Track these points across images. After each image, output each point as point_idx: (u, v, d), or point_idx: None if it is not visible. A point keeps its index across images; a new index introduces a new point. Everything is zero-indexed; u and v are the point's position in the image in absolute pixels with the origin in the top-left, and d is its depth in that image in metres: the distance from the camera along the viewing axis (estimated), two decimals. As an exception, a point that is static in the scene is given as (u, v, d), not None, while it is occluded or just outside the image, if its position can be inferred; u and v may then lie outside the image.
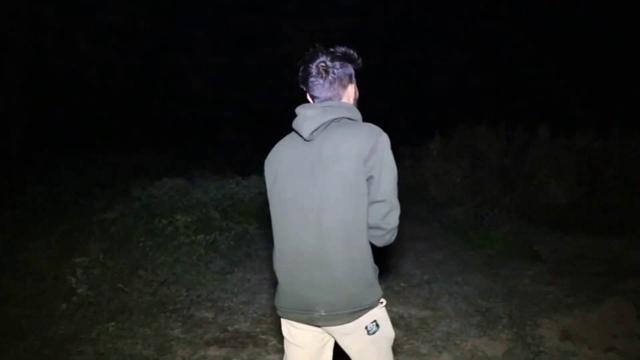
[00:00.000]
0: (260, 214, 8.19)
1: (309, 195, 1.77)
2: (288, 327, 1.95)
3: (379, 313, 1.86)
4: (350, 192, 1.74)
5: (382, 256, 6.12)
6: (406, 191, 10.87)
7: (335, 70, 1.87)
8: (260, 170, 2.05)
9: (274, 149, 1.96)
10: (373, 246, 1.87)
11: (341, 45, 1.93)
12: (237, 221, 6.80)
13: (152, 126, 20.07)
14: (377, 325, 1.83)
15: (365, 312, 1.80)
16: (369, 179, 1.77)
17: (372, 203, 1.79)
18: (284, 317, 1.93)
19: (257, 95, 21.04)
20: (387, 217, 1.80)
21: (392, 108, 19.13)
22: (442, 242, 7.29)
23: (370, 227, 1.81)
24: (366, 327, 1.81)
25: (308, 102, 1.95)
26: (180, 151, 16.94)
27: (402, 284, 5.34)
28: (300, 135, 1.83)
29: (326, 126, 1.82)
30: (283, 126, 2.16)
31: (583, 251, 6.84)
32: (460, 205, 9.10)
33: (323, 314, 1.76)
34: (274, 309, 1.98)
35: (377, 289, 1.84)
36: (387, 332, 1.89)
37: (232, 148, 18.49)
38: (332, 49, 1.90)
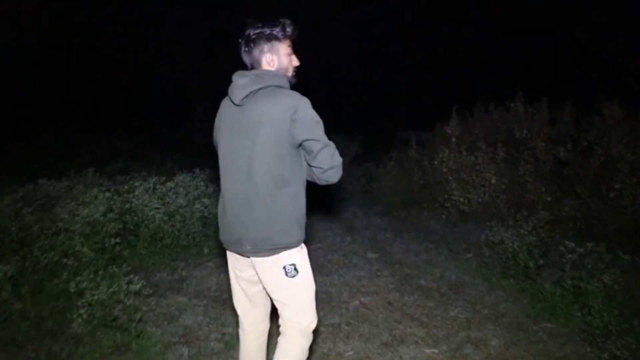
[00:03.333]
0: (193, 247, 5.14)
1: (242, 151, 2.13)
2: (230, 257, 2.36)
3: (298, 257, 2.18)
4: (274, 151, 2.09)
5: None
6: (412, 192, 7.83)
7: (254, 41, 2.19)
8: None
9: (220, 106, 2.30)
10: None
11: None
12: (128, 267, 3.72)
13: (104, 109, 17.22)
14: (296, 270, 2.17)
15: (282, 251, 2.15)
16: (308, 141, 2.11)
17: (317, 154, 2.12)
18: (226, 248, 2.32)
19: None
20: (333, 156, 2.15)
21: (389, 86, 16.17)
22: (489, 297, 4.26)
23: (322, 172, 2.15)
24: (284, 268, 2.15)
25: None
26: (139, 139, 14.40)
27: None
28: (232, 100, 2.18)
29: (255, 93, 2.13)
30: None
31: None
32: (500, 219, 6.09)
33: (248, 247, 2.16)
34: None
35: (295, 233, 2.16)
36: (304, 279, 2.20)
37: (204, 134, 15.95)
38: (259, 23, 2.20)
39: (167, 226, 4.99)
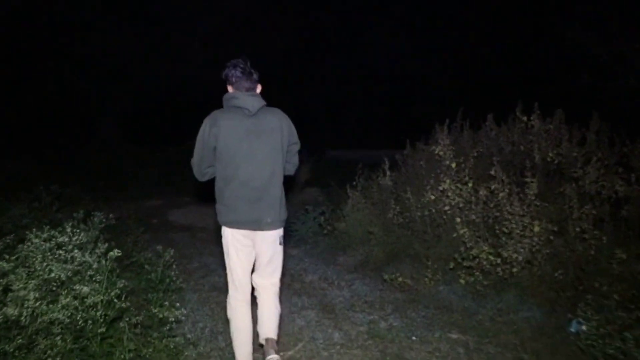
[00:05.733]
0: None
1: (260, 150, 2.88)
2: (236, 235, 2.96)
3: (282, 232, 3.06)
4: (281, 150, 2.96)
5: None
6: (397, 238, 5.62)
7: (253, 72, 2.95)
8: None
9: (219, 117, 2.89)
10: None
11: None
12: None
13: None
14: (282, 239, 3.07)
15: (282, 225, 3.04)
16: (293, 144, 3.09)
17: (295, 154, 3.14)
18: (237, 229, 2.94)
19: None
20: (297, 159, 3.21)
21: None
22: None
23: (294, 165, 3.18)
24: (279, 238, 3.03)
25: (227, 91, 3.00)
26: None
27: None
28: (248, 110, 2.87)
29: (262, 107, 2.93)
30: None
31: None
32: (564, 290, 4.07)
33: (269, 221, 2.92)
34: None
35: (286, 211, 3.05)
36: (282, 248, 3.09)
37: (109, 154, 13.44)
38: (246, 59, 2.98)
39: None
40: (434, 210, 5.46)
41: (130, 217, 7.75)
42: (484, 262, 4.47)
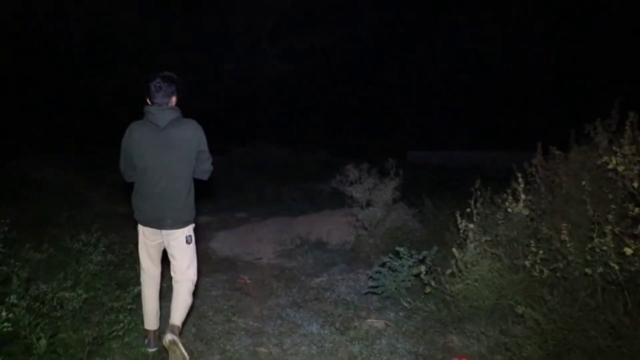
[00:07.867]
0: None
1: (166, 161, 3.22)
2: (144, 231, 3.41)
3: (191, 232, 3.42)
4: (188, 161, 3.29)
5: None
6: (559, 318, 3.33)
7: (166, 87, 3.25)
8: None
9: (134, 129, 3.26)
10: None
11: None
12: None
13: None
14: (191, 238, 3.41)
15: (185, 226, 3.37)
16: (201, 152, 3.34)
17: (205, 161, 3.39)
18: (144, 226, 3.37)
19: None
20: (210, 165, 3.45)
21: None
22: None
23: (204, 172, 3.45)
24: (186, 237, 3.37)
25: (147, 104, 3.28)
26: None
27: None
28: (157, 125, 3.21)
29: (172, 121, 3.23)
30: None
31: None
32: None
33: (169, 222, 3.29)
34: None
35: (193, 213, 3.40)
36: (194, 246, 3.45)
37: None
38: (164, 73, 3.29)
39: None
40: (616, 268, 3.20)
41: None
42: None
